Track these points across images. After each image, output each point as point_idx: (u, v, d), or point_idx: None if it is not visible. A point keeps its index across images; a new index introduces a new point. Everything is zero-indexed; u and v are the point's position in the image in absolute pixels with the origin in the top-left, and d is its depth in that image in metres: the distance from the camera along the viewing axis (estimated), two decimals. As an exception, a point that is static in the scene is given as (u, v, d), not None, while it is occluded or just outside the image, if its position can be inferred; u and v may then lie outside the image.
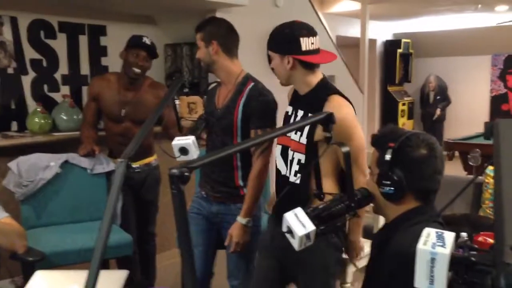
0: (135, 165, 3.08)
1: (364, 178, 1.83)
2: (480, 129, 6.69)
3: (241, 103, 2.30)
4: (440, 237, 0.96)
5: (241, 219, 2.29)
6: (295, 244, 1.36)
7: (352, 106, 2.00)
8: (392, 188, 1.51)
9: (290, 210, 1.44)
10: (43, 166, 2.85)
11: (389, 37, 8.67)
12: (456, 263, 0.96)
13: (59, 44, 3.82)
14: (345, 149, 1.42)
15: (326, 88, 2.01)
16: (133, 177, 3.09)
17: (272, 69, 2.07)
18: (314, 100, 1.99)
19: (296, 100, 2.10)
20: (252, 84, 2.33)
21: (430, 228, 1.01)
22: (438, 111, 8.15)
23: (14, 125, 3.50)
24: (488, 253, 1.00)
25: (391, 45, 8.49)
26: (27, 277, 2.37)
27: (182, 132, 2.44)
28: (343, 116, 1.87)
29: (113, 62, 4.27)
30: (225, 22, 2.41)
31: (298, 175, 2.00)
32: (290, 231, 1.37)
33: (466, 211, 3.51)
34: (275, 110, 2.32)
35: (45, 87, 3.72)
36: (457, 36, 8.18)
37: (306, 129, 1.95)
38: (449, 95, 8.32)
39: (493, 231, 2.67)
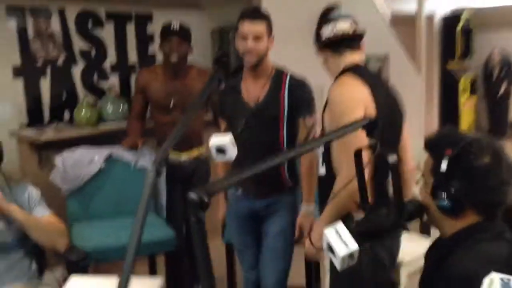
0: (183, 157, 3.02)
1: (344, 178, 1.66)
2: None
3: (285, 94, 2.27)
4: (506, 285, 0.78)
5: (307, 207, 2.28)
6: (337, 264, 1.23)
7: (371, 87, 1.84)
8: (448, 202, 1.33)
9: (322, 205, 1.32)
10: (87, 161, 2.84)
11: (448, 12, 8.14)
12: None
13: (107, 34, 3.78)
14: (392, 159, 1.26)
15: (346, 69, 1.93)
16: (181, 169, 3.02)
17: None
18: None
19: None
20: (289, 75, 2.32)
21: (495, 275, 0.83)
22: (503, 88, 7.63)
23: (67, 114, 3.51)
24: None
25: (450, 20, 7.96)
26: (70, 273, 2.38)
27: (221, 129, 2.33)
28: (338, 92, 1.85)
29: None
30: None
31: (324, 163, 1.92)
32: (331, 249, 1.24)
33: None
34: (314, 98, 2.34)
35: (95, 77, 3.70)
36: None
37: (319, 116, 1.90)
38: (515, 69, 7.77)
39: None
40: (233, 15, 4.68)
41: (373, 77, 1.95)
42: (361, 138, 1.37)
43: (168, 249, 2.76)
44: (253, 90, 2.31)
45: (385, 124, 1.83)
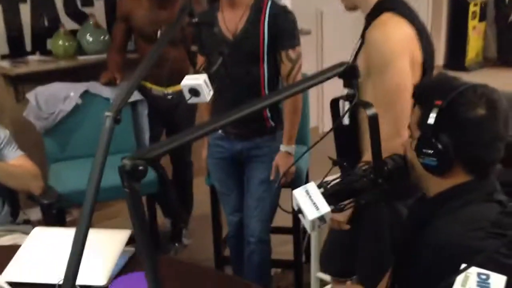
0: (167, 91, 2.85)
1: (399, 139, 1.42)
2: None
3: (265, 23, 2.07)
4: (483, 284, 0.64)
5: (285, 147, 2.17)
6: (307, 226, 1.11)
7: (417, 28, 1.55)
8: (434, 159, 1.18)
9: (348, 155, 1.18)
10: (62, 97, 2.68)
11: None
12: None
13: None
14: (370, 111, 1.09)
15: (380, 8, 1.57)
16: (163, 104, 2.87)
17: None
18: (367, 22, 1.61)
19: (363, 31, 1.66)
20: (270, 2, 2.10)
21: (472, 269, 0.69)
22: (515, 12, 7.26)
23: (50, 43, 3.26)
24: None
25: None
26: (45, 218, 2.31)
27: (195, 68, 2.15)
28: (380, 38, 1.50)
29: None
30: None
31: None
32: (300, 211, 1.11)
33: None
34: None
35: (78, 2, 3.43)
36: None
37: (352, 58, 1.63)
38: (529, -7, 7.34)
39: None
40: None
41: (413, 13, 1.61)
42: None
43: (150, 191, 2.67)
44: (230, 21, 2.10)
45: (428, 70, 1.59)
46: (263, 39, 2.07)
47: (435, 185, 1.24)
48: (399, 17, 1.54)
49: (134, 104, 2.82)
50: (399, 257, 1.39)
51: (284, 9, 2.13)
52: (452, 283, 0.68)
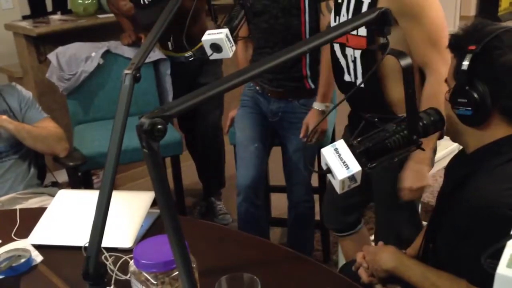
0: (187, 53, 2.74)
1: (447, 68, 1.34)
2: None
3: None
4: None
5: (318, 105, 2.09)
6: (336, 187, 1.05)
7: None
8: (469, 108, 1.10)
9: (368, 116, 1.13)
10: (83, 57, 2.62)
11: None
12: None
13: None
14: (405, 62, 1.01)
15: None
16: (186, 69, 2.77)
17: None
18: None
19: None
20: None
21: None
22: (554, -43, 6.84)
23: (70, 2, 3.21)
24: None
25: None
26: (71, 181, 2.30)
27: (216, 21, 2.06)
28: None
29: None
30: None
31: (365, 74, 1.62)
32: (329, 171, 1.05)
33: None
34: None
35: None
36: None
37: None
38: None
39: None
40: None
41: None
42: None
43: (175, 152, 2.63)
44: None
45: None
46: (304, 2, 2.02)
47: (474, 140, 1.17)
48: None
49: (156, 63, 2.75)
50: (435, 215, 1.33)
51: None
52: (503, 247, 0.61)
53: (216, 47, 1.55)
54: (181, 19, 2.63)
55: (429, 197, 2.87)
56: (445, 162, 2.32)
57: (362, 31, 1.56)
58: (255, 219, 2.29)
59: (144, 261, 1.10)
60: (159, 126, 0.77)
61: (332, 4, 1.97)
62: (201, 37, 1.99)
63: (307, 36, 2.07)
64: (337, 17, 1.70)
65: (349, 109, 1.80)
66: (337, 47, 1.71)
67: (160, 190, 0.81)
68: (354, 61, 1.63)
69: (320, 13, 2.04)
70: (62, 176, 2.52)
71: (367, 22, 1.03)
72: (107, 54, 2.70)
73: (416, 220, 1.84)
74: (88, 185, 2.50)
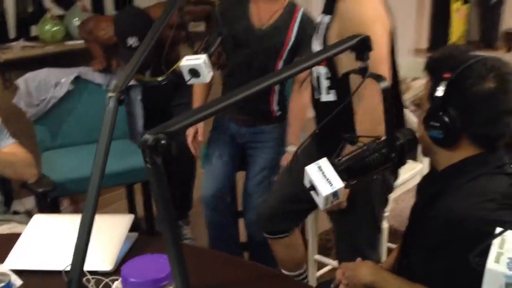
0: (160, 78, 2.76)
1: (369, 108, 1.45)
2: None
3: (295, 26, 2.16)
4: None
5: (292, 148, 2.16)
6: (320, 203, 1.10)
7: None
8: (440, 131, 1.19)
9: (332, 133, 1.21)
10: (53, 83, 2.62)
11: None
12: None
13: None
14: (383, 84, 1.08)
15: None
16: (160, 88, 2.78)
17: None
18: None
19: (326, 5, 1.75)
20: (302, 9, 2.22)
21: (510, 233, 0.69)
22: (497, -6, 7.30)
23: (34, 30, 3.20)
24: None
25: None
26: (40, 207, 2.27)
27: (193, 48, 2.12)
28: (353, 7, 1.59)
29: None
30: None
31: (331, 91, 1.73)
32: (313, 188, 1.10)
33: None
34: None
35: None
36: None
37: (322, 33, 1.68)
38: (511, -25, 7.39)
39: None
40: None
41: None
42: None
43: (146, 177, 2.61)
44: (263, 13, 2.18)
45: (394, 41, 1.66)
46: (290, 39, 2.16)
47: (444, 159, 1.25)
48: None
49: (127, 89, 2.77)
50: (408, 232, 1.40)
51: (312, 20, 2.15)
52: (489, 246, 0.68)
53: (194, 72, 1.60)
54: (159, 47, 2.67)
55: (391, 221, 2.96)
56: (407, 186, 2.44)
57: (319, 46, 1.69)
58: (223, 228, 2.34)
59: (133, 280, 1.11)
60: (163, 142, 0.81)
61: None
62: (177, 62, 2.04)
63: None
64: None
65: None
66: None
67: (162, 204, 0.84)
68: (318, 78, 1.74)
69: None
70: (27, 203, 2.47)
71: (348, 48, 1.11)
72: (77, 80, 2.71)
73: (373, 237, 1.92)
74: (56, 212, 2.46)
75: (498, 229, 0.70)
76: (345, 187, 1.10)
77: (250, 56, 2.19)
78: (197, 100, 2.36)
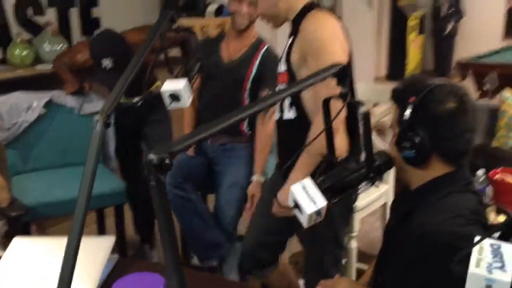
0: (135, 99, 2.78)
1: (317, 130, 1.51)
2: (494, 45, 6.30)
3: (257, 61, 2.33)
4: (496, 254, 0.74)
5: (258, 177, 2.28)
6: (304, 221, 1.16)
7: (342, 26, 1.78)
8: (412, 151, 1.28)
9: (293, 150, 1.28)
10: (25, 106, 2.61)
11: None
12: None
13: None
14: (363, 109, 1.17)
15: (308, 8, 1.81)
16: (135, 109, 2.76)
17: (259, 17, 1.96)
18: (296, 21, 1.81)
19: (292, 28, 1.87)
20: (267, 46, 2.38)
21: (485, 241, 0.78)
22: (450, 25, 7.69)
23: (4, 53, 3.18)
24: None
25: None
26: (11, 231, 2.23)
27: (173, 73, 2.18)
28: (314, 28, 1.72)
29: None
30: None
31: (293, 106, 1.83)
32: (297, 206, 1.17)
33: (479, 139, 3.29)
34: None
35: (29, 11, 3.37)
36: None
37: (285, 54, 1.80)
38: (462, 7, 7.82)
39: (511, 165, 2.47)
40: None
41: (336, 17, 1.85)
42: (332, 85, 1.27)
43: (118, 202, 2.63)
44: (231, 50, 2.38)
45: (351, 64, 1.78)
46: (251, 73, 2.32)
47: (417, 178, 1.34)
48: (327, 13, 1.80)
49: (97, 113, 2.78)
50: (383, 250, 1.48)
51: (275, 56, 2.26)
52: (469, 254, 0.76)
53: (174, 97, 1.65)
54: (140, 71, 2.73)
55: (359, 243, 3.05)
56: (373, 207, 2.53)
57: (284, 67, 1.80)
58: (187, 201, 2.37)
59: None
60: (167, 161, 0.86)
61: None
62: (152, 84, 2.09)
63: (247, 100, 2.36)
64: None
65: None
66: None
67: (163, 220, 0.88)
68: None
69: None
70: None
71: (330, 74, 1.19)
72: (49, 103, 2.70)
73: (337, 255, 1.99)
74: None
75: (477, 238, 0.78)
76: (328, 205, 1.17)
77: (220, 88, 2.36)
78: (188, 123, 2.53)
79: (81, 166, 2.59)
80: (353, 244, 2.40)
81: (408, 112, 1.28)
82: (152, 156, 0.86)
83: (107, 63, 2.44)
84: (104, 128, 1.39)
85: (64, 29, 3.50)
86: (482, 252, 0.74)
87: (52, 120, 2.71)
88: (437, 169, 1.31)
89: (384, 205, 2.61)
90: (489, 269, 0.71)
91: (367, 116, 1.18)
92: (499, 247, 0.75)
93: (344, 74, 1.19)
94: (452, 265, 0.80)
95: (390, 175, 2.56)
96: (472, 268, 0.73)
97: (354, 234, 2.38)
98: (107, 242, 1.61)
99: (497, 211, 2.14)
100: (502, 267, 0.71)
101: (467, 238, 0.99)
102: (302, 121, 1.78)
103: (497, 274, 0.71)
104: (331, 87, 1.26)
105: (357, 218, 2.36)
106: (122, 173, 3.03)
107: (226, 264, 2.39)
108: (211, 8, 3.90)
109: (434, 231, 1.22)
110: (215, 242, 2.38)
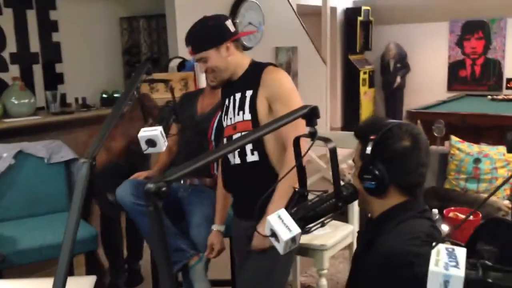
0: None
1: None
2: (440, 96, 6.73)
3: (218, 115, 2.41)
4: (451, 255, 0.88)
5: (218, 227, 2.27)
6: (280, 248, 1.27)
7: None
8: (373, 182, 1.43)
9: (256, 191, 1.38)
10: (-6, 157, 2.64)
11: (349, 4, 8.57)
12: (471, 284, 0.88)
13: (5, 20, 3.58)
14: (331, 145, 1.32)
15: (260, 64, 2.04)
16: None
17: (208, 72, 2.05)
18: (250, 76, 1.99)
19: (229, 88, 2.07)
20: None
21: (440, 245, 0.93)
22: (398, 79, 8.16)
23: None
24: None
25: (352, 13, 8.39)
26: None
27: (147, 122, 2.30)
28: (279, 78, 1.95)
29: (65, 37, 4.04)
30: None
31: (255, 152, 1.97)
32: (274, 235, 1.28)
33: (432, 182, 3.51)
34: None
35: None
36: (415, 2, 8.16)
37: (247, 104, 1.96)
38: (408, 62, 8.34)
39: (462, 205, 2.65)
40: (142, 3, 4.59)
41: None
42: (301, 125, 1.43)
43: (90, 248, 2.65)
44: (205, 104, 2.54)
45: None
46: (214, 123, 2.45)
47: (377, 207, 1.49)
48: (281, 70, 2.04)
49: (68, 162, 2.84)
50: (350, 276, 1.59)
51: None
52: (428, 255, 0.90)
53: (151, 143, 1.76)
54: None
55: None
56: (341, 246, 2.63)
57: (247, 116, 1.95)
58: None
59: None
60: (164, 189, 0.96)
61: None
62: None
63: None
64: (225, 116, 2.07)
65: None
66: (224, 141, 2.08)
67: (159, 243, 0.98)
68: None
69: None
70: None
71: (300, 116, 1.34)
72: (19, 154, 2.74)
73: (286, 273, 2.08)
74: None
75: (434, 243, 0.93)
76: (301, 233, 1.29)
77: (190, 137, 2.49)
78: (159, 162, 2.61)
79: (50, 214, 2.68)
80: (323, 282, 2.49)
81: (369, 148, 1.44)
82: (150, 186, 0.96)
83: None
84: (89, 171, 1.46)
85: (28, 83, 3.58)
86: (439, 254, 0.88)
87: (22, 170, 2.74)
88: (395, 198, 1.46)
89: (350, 245, 2.71)
90: (446, 267, 0.85)
91: (334, 151, 1.32)
92: (453, 250, 0.89)
93: (312, 114, 1.35)
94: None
95: (355, 216, 2.68)
96: (431, 267, 0.86)
97: (324, 271, 2.47)
98: (88, 281, 1.66)
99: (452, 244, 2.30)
100: (456, 265, 0.85)
101: (423, 256, 1.12)
102: (265, 163, 1.96)
103: (452, 271, 0.85)
104: (301, 127, 1.41)
105: (326, 256, 2.46)
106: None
107: (191, 273, 2.34)
108: (173, 63, 4.08)
109: (395, 250, 1.36)
110: (176, 247, 2.32)
